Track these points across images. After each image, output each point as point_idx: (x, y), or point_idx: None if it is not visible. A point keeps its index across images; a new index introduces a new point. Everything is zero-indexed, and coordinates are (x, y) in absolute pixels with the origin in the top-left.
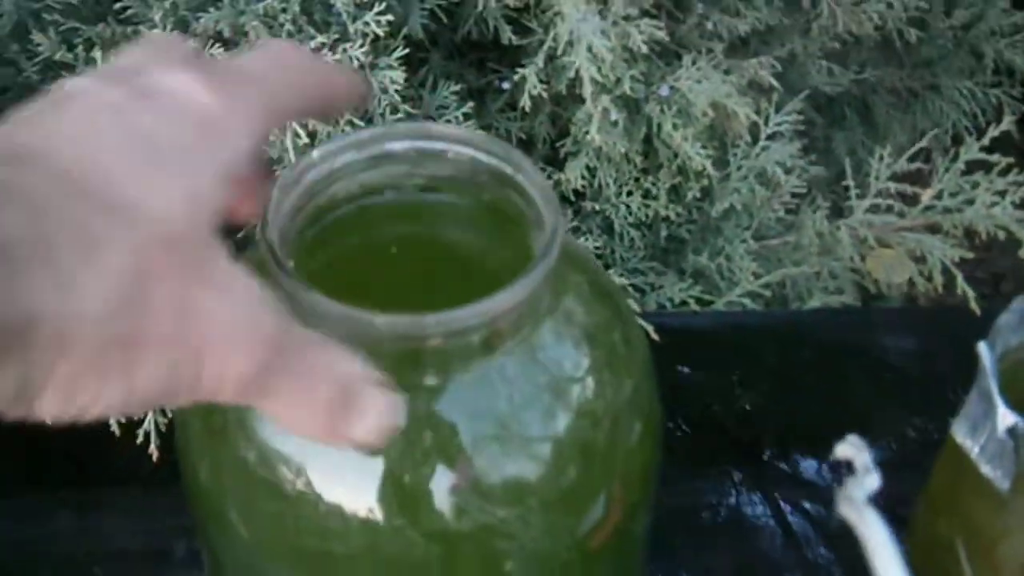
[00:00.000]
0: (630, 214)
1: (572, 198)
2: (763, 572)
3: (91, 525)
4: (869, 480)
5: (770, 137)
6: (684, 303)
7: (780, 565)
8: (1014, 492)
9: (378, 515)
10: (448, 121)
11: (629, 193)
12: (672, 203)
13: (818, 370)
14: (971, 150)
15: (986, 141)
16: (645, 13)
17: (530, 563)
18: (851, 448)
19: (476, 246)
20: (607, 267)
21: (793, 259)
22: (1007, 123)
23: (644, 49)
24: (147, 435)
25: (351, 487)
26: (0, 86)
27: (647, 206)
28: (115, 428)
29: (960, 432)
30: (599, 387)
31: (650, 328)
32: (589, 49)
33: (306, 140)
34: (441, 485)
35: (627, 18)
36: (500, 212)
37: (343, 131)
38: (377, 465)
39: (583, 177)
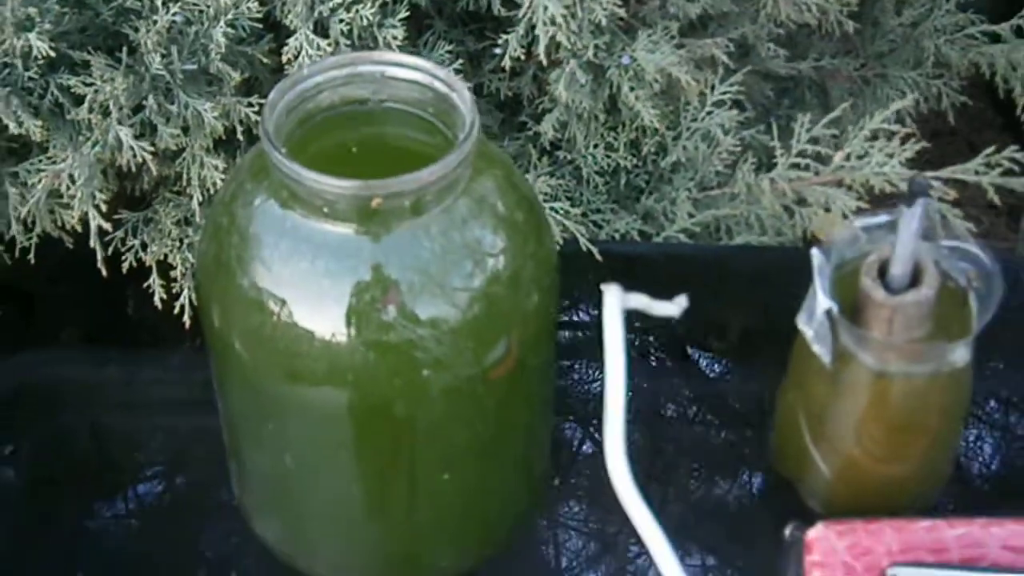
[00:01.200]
0: (596, 163)
1: (548, 148)
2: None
3: (135, 378)
4: (653, 306)
5: (716, 104)
6: (625, 234)
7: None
8: (835, 366)
9: (335, 329)
10: None
11: (595, 146)
12: (631, 155)
13: (737, 292)
14: (875, 121)
15: (890, 113)
16: None
17: (444, 375)
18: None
19: (419, 143)
20: (575, 206)
21: (728, 206)
22: (909, 100)
23: (604, 22)
24: (183, 307)
25: (317, 308)
26: (81, 27)
27: (609, 157)
28: (157, 302)
29: (801, 320)
30: (504, 254)
31: (595, 251)
32: (552, 21)
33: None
34: (377, 306)
35: None
36: (440, 119)
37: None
38: (335, 290)
39: (555, 129)
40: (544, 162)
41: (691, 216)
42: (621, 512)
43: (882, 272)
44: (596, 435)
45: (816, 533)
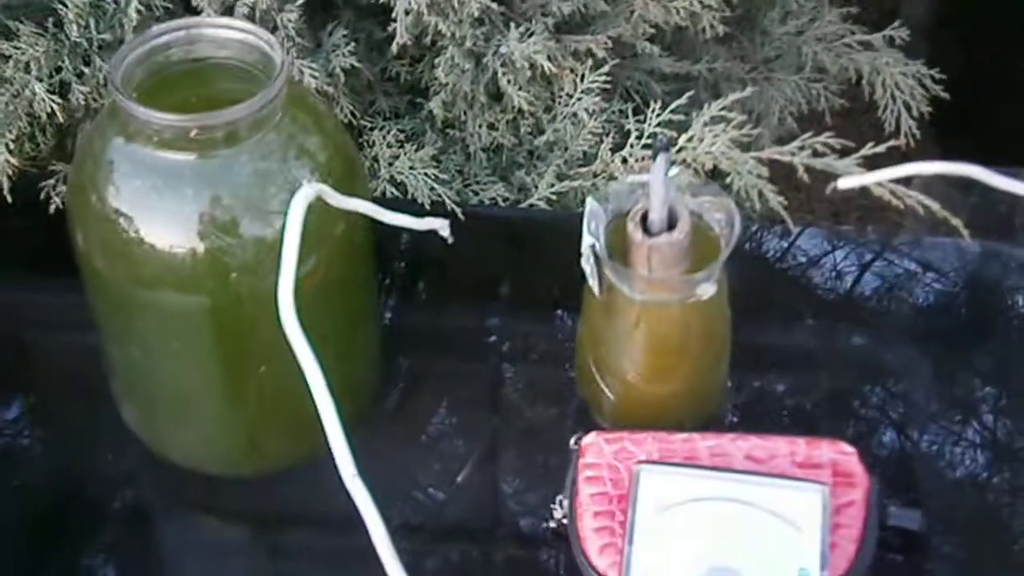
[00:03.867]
0: (481, 141)
1: (441, 127)
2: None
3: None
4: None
5: (586, 91)
6: (495, 200)
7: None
8: (605, 297)
9: (164, 238)
10: (338, 55)
11: (481, 126)
12: (511, 134)
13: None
14: (712, 109)
15: (727, 102)
16: None
17: (251, 280)
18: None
19: (243, 88)
20: (465, 180)
21: (588, 179)
22: (749, 91)
23: (477, 14)
24: None
25: (149, 221)
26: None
27: (492, 136)
28: None
29: (582, 261)
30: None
31: (459, 211)
32: (419, 11)
33: None
34: (195, 218)
35: None
36: (263, 70)
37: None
38: (163, 206)
39: (443, 109)
40: (437, 140)
41: (551, 186)
42: None
43: (645, 219)
44: None
45: (589, 440)
